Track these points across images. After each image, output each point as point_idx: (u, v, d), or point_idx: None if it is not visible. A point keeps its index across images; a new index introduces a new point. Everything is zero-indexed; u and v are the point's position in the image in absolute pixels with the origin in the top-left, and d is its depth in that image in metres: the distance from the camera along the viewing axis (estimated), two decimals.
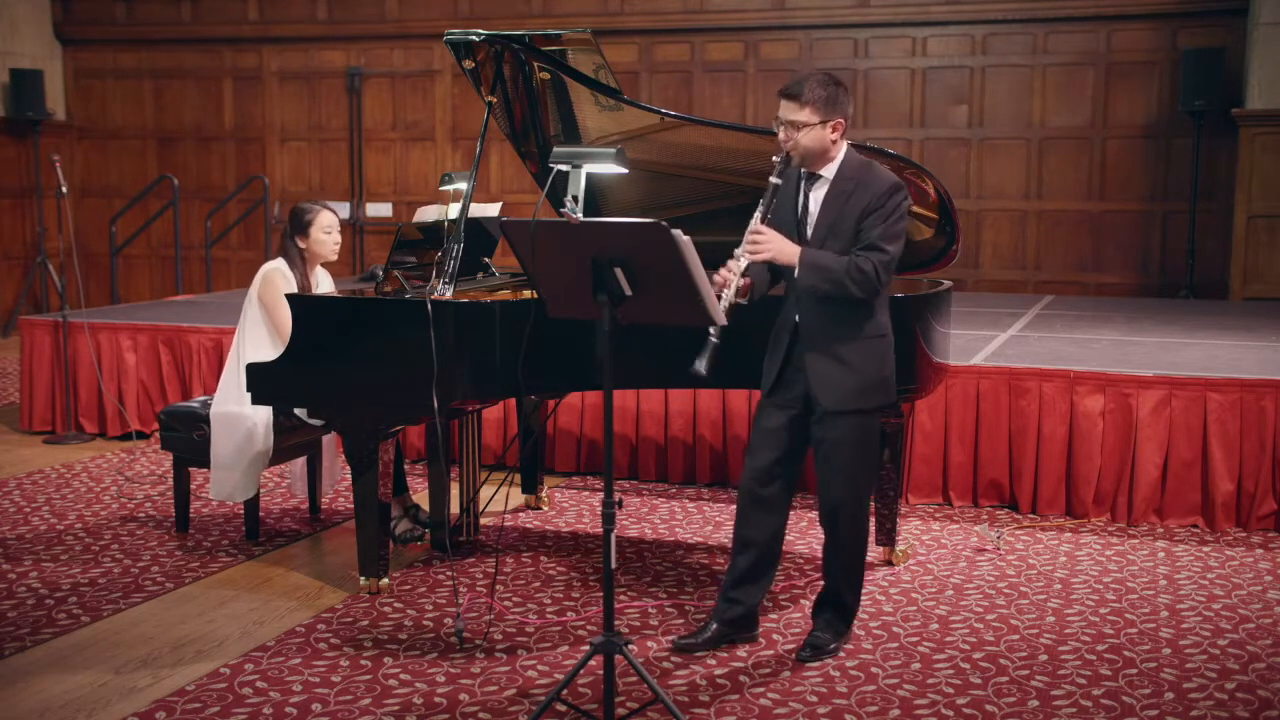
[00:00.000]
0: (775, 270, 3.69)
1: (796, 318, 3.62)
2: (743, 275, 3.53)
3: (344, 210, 11.28)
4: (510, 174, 10.90)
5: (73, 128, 12.10)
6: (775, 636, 3.91)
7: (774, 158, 3.57)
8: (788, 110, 3.53)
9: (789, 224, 3.60)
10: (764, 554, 3.78)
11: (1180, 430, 5.16)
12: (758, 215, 3.53)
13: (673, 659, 3.73)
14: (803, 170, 3.63)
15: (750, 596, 3.81)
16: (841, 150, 3.62)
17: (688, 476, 5.89)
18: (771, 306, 3.76)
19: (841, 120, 3.56)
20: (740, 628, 3.83)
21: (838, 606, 3.79)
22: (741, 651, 3.79)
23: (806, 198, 3.63)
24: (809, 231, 3.60)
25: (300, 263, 4.76)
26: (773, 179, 3.53)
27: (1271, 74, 8.92)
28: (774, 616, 4.08)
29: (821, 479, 3.70)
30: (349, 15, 11.33)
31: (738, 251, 3.52)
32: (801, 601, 4.20)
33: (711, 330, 3.44)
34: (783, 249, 3.51)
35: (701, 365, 3.45)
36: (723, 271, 3.51)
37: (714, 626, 3.81)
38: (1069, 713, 3.40)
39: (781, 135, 3.55)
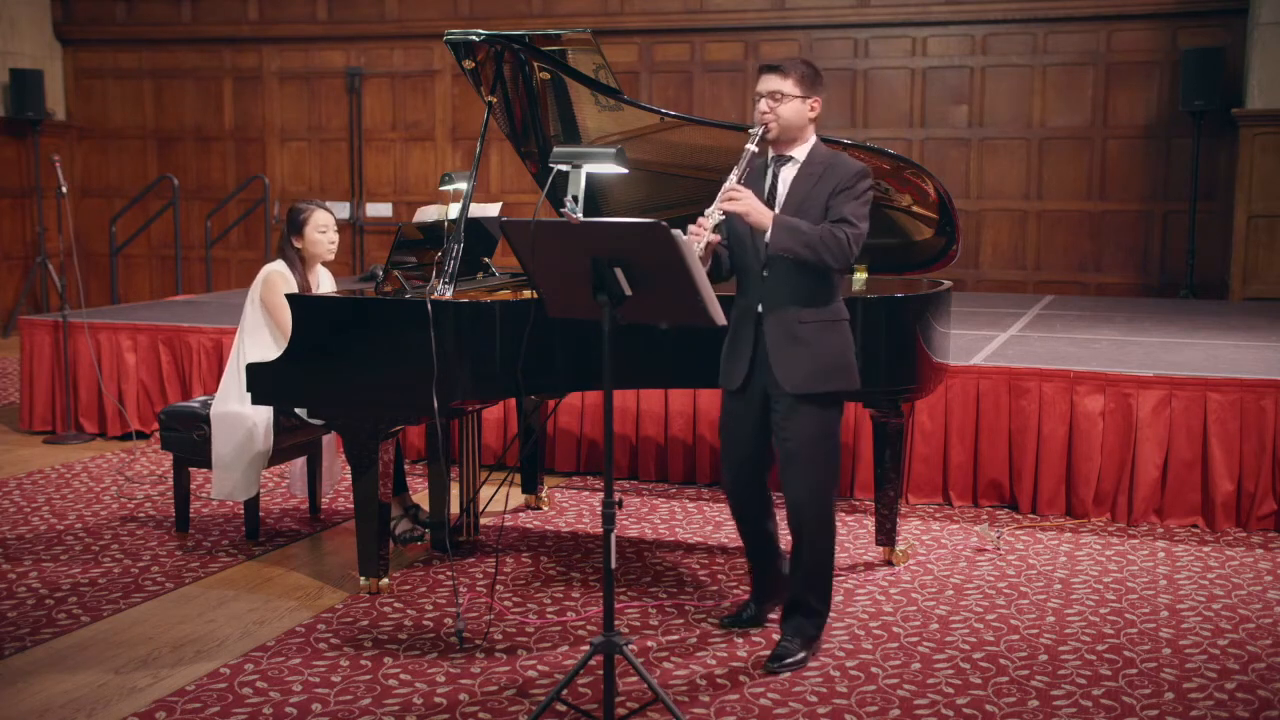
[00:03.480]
0: (734, 257, 3.69)
1: (759, 306, 3.61)
2: (713, 231, 3.51)
3: (344, 210, 11.28)
4: (510, 174, 10.91)
5: (73, 128, 12.10)
6: (775, 636, 3.90)
7: (751, 129, 3.59)
8: (771, 81, 3.57)
9: None
10: (775, 549, 3.93)
11: (1180, 430, 5.16)
12: (733, 176, 3.53)
13: (673, 659, 3.73)
14: (770, 153, 3.66)
15: (779, 568, 3.94)
16: (813, 136, 3.67)
17: (688, 476, 5.89)
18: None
19: (818, 100, 3.62)
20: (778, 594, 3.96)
21: (806, 612, 3.74)
22: (741, 651, 3.79)
23: (775, 178, 3.65)
24: (777, 210, 3.61)
25: (299, 263, 4.77)
26: (749, 146, 3.55)
27: (1271, 74, 8.92)
28: (773, 616, 4.07)
29: (784, 479, 3.70)
30: (349, 15, 11.33)
31: (709, 209, 3.51)
32: None
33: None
34: (756, 207, 3.51)
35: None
36: (692, 227, 3.49)
37: (751, 608, 3.96)
38: (1069, 713, 3.40)
39: (762, 107, 3.57)
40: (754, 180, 3.66)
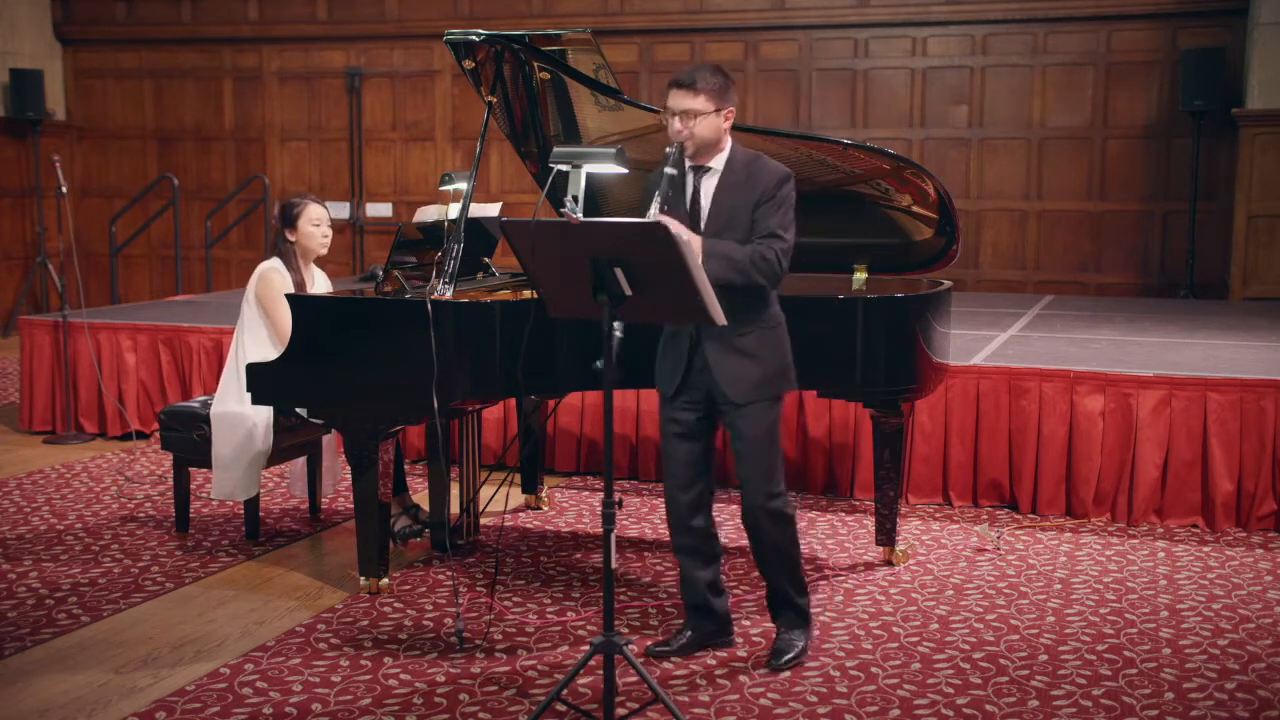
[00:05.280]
0: None
1: None
2: None
3: (344, 210, 11.28)
4: (510, 174, 10.90)
5: (73, 128, 12.10)
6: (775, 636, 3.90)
7: (666, 149, 3.53)
8: (682, 99, 3.50)
9: (680, 218, 3.54)
10: (709, 556, 3.78)
11: (1180, 430, 5.16)
12: (655, 205, 3.45)
13: (673, 658, 3.73)
14: (688, 164, 3.60)
15: (714, 599, 3.79)
16: (729, 141, 3.62)
17: None
18: None
19: (732, 109, 3.57)
20: (715, 636, 3.82)
21: (790, 604, 3.75)
22: (741, 652, 3.79)
23: (697, 190, 3.61)
24: (703, 223, 3.58)
25: (294, 258, 4.76)
26: (667, 169, 3.49)
27: (1271, 74, 8.92)
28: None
29: (739, 476, 3.69)
30: (349, 15, 11.33)
31: None
32: None
33: (616, 326, 3.39)
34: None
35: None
36: None
37: (689, 634, 3.80)
38: (1069, 713, 3.40)
39: (676, 125, 3.52)
40: (674, 192, 3.58)
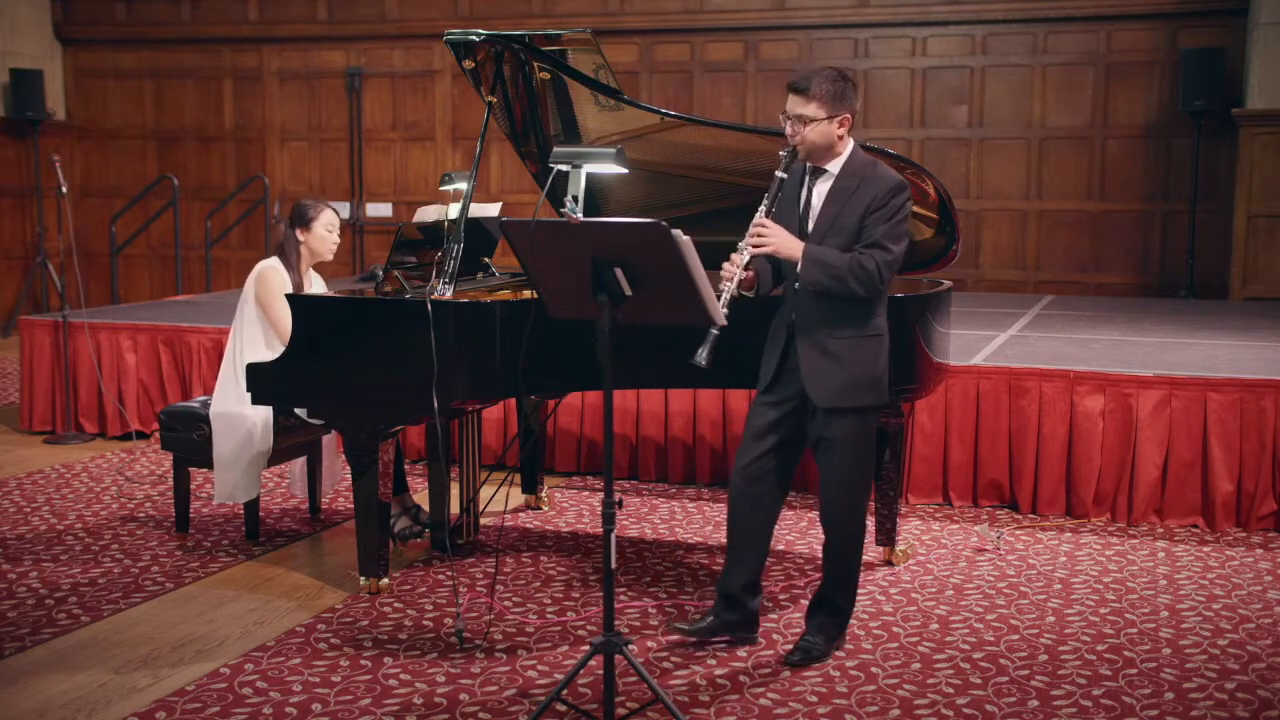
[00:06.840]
0: (777, 268, 3.70)
1: (794, 315, 3.62)
2: (745, 268, 3.54)
3: (344, 210, 11.28)
4: (510, 174, 10.90)
5: (73, 128, 12.09)
6: (775, 636, 3.91)
7: (781, 152, 3.58)
8: (795, 104, 3.52)
9: (791, 218, 3.61)
10: (755, 553, 3.80)
11: (1180, 430, 5.16)
12: (762, 208, 3.54)
13: (673, 659, 3.73)
14: (807, 165, 3.63)
15: (748, 597, 3.81)
16: (848, 146, 3.61)
17: (688, 476, 5.89)
18: (774, 306, 3.77)
19: (849, 115, 3.56)
20: (739, 629, 3.83)
21: (831, 610, 3.77)
22: (741, 651, 3.79)
23: (810, 192, 3.63)
24: (810, 226, 3.59)
25: (296, 259, 4.75)
26: (778, 173, 3.55)
27: (1271, 74, 8.92)
28: (774, 616, 4.08)
29: (820, 486, 3.73)
30: (349, 15, 11.33)
31: (741, 245, 3.53)
32: (801, 601, 4.20)
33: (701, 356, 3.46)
34: (785, 242, 3.51)
35: (703, 356, 3.45)
36: (726, 265, 3.53)
37: (710, 619, 3.83)
38: (1069, 713, 3.40)
39: (789, 130, 3.54)
40: (790, 190, 3.65)
